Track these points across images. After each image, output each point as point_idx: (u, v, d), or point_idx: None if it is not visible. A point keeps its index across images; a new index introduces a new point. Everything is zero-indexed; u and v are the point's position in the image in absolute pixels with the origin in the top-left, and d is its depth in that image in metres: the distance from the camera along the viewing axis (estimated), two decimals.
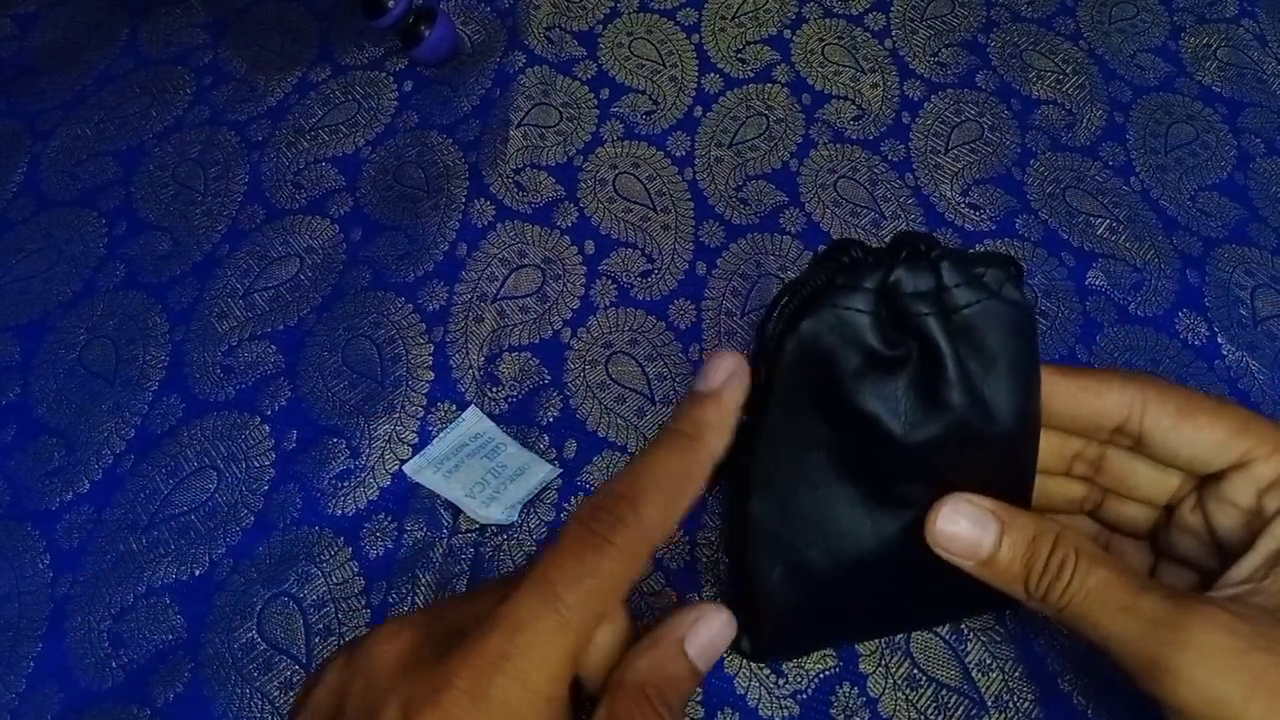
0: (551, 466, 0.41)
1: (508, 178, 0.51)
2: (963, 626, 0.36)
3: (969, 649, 0.36)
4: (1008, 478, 0.29)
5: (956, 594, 0.30)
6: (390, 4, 0.52)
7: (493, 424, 0.42)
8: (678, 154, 0.52)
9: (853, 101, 0.54)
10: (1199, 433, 0.28)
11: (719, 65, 0.56)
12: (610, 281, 0.47)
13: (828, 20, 0.58)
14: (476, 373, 0.44)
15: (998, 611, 0.36)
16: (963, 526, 0.28)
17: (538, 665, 0.22)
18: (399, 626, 0.25)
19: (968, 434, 0.27)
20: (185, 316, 0.47)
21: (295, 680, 0.37)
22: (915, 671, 0.36)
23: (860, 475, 0.29)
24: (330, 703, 0.24)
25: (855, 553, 0.30)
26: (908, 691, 0.35)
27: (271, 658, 0.37)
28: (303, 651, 0.37)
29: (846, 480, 0.29)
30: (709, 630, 0.27)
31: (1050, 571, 0.27)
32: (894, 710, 0.35)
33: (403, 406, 0.43)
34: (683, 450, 0.26)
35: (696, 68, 0.56)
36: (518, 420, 0.43)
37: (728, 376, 0.27)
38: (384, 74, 0.57)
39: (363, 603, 0.38)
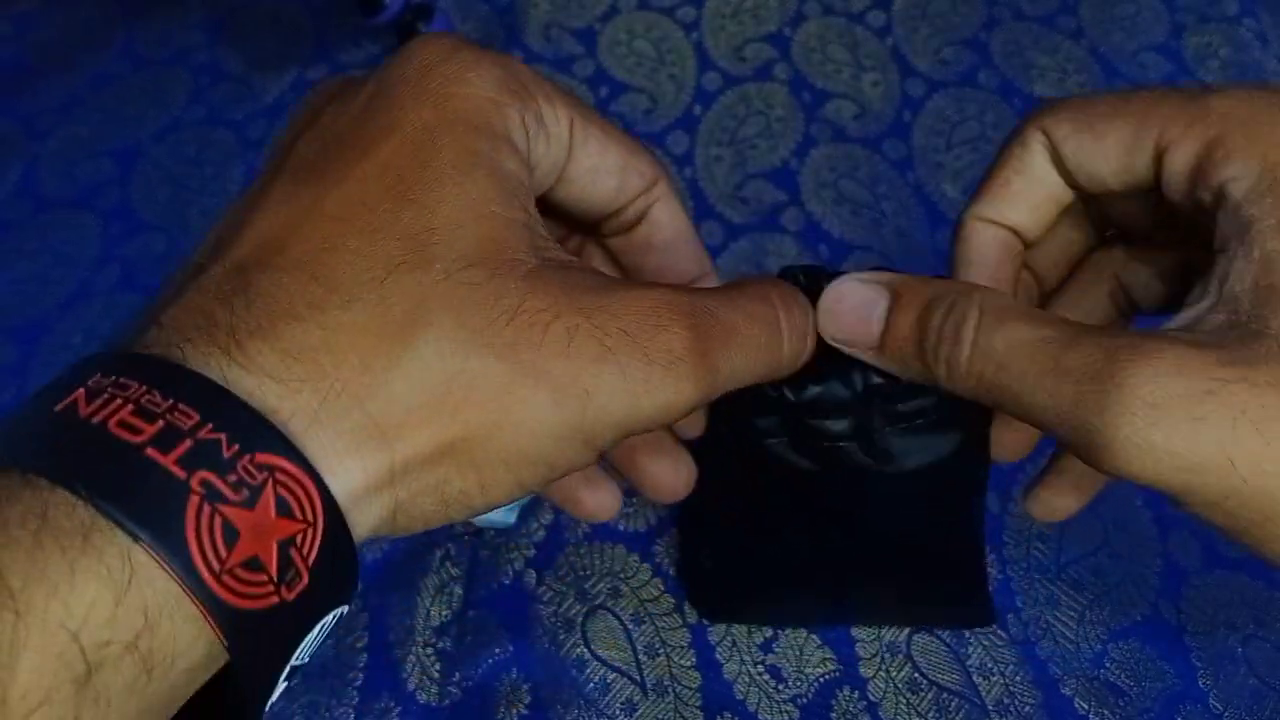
0: None
1: None
2: (964, 631, 0.36)
3: (970, 653, 0.36)
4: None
5: (893, 586, 0.30)
6: (387, 1, 0.52)
7: None
8: (677, 152, 0.52)
9: (853, 100, 0.54)
10: (1102, 140, 0.21)
11: (719, 63, 0.55)
12: None
13: (828, 18, 0.58)
14: None
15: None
16: (848, 305, 0.21)
17: None
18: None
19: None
20: None
21: (293, 684, 0.36)
22: (916, 675, 0.35)
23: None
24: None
25: (790, 535, 0.30)
26: (909, 696, 0.35)
27: None
28: None
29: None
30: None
31: (947, 337, 0.19)
32: (895, 714, 0.35)
33: None
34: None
35: (696, 66, 0.55)
36: None
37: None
38: None
39: (360, 605, 0.38)
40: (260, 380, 0.14)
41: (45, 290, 0.49)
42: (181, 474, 0.12)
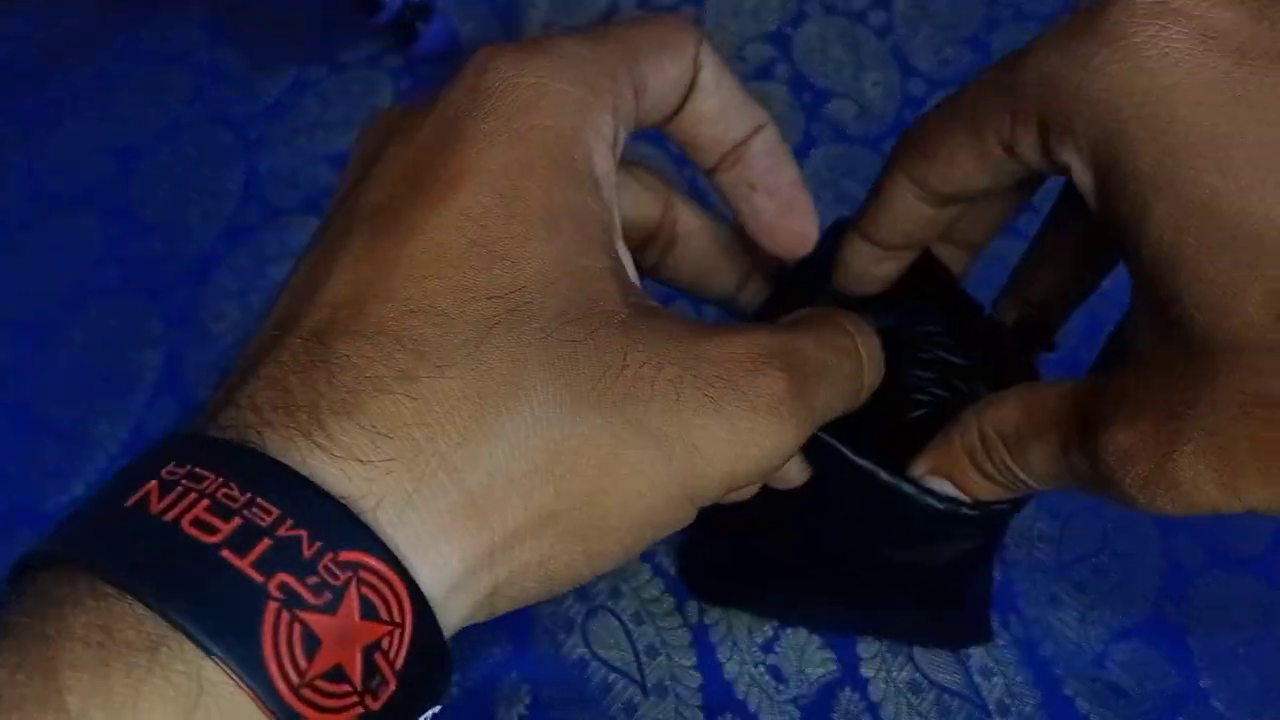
0: None
1: None
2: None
3: (971, 654, 0.36)
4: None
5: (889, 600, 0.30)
6: (386, 1, 0.52)
7: None
8: (677, 152, 0.51)
9: (854, 99, 0.54)
10: (952, 163, 0.20)
11: None
12: None
13: (829, 17, 0.57)
14: None
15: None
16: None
17: None
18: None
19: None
20: (181, 318, 0.47)
21: None
22: (917, 676, 0.35)
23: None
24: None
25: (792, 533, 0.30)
26: (910, 697, 0.35)
27: None
28: None
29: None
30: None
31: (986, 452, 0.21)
32: (896, 715, 0.34)
33: None
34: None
35: None
36: None
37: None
38: (381, 71, 0.56)
39: None
40: (346, 464, 0.12)
41: (45, 290, 0.49)
42: (259, 578, 0.11)
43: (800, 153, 0.51)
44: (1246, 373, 0.15)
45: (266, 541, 0.11)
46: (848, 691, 0.35)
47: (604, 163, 0.16)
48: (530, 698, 0.36)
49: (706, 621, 0.37)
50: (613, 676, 0.36)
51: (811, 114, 0.53)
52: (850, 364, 0.19)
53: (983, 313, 0.27)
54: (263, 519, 0.11)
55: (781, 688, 0.35)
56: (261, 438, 0.12)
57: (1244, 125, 0.15)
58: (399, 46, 0.55)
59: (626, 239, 0.19)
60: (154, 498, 0.12)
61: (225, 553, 0.11)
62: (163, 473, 0.12)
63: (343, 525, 0.12)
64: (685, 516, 0.16)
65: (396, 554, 0.12)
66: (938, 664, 0.35)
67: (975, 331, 0.26)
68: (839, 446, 0.24)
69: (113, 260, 0.50)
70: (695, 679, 0.36)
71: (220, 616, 0.11)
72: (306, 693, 0.11)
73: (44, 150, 0.55)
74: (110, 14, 0.62)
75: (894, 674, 0.35)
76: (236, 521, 0.11)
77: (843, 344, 0.19)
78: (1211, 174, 0.15)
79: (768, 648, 0.36)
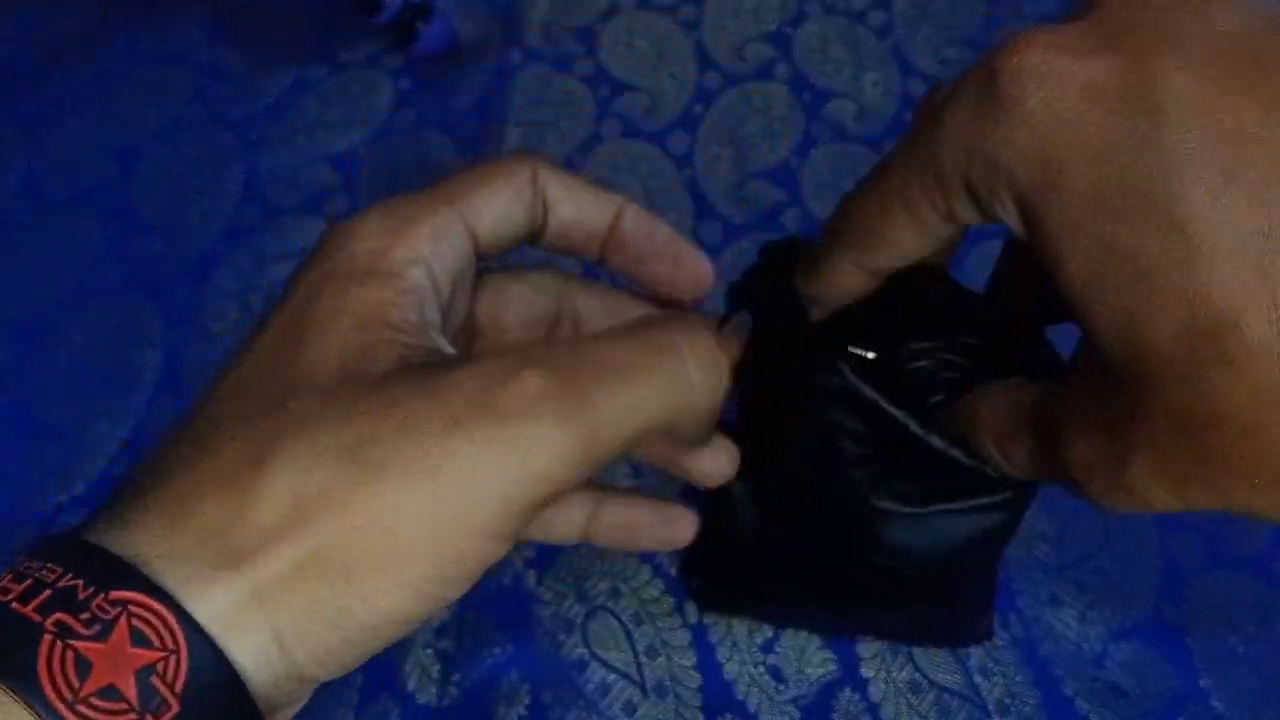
0: None
1: None
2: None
3: (971, 654, 0.36)
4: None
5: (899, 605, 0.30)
6: (386, 1, 0.52)
7: None
8: (677, 152, 0.52)
9: (854, 99, 0.54)
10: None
11: (719, 62, 0.55)
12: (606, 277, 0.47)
13: (829, 17, 0.57)
14: None
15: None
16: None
17: None
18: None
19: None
20: (181, 318, 0.47)
21: None
22: (917, 676, 0.35)
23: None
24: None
25: (799, 536, 0.30)
26: (910, 697, 0.35)
27: None
28: None
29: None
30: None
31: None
32: (896, 715, 0.34)
33: None
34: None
35: (696, 65, 0.55)
36: None
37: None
38: (381, 71, 0.56)
39: None
40: (132, 534, 0.15)
41: (45, 290, 0.49)
42: (38, 618, 0.13)
43: (800, 153, 0.51)
44: (1172, 398, 0.16)
45: (48, 592, 0.14)
46: (847, 692, 0.35)
47: (415, 270, 0.19)
48: (530, 698, 0.36)
49: (706, 622, 0.37)
50: (612, 677, 0.36)
51: (811, 114, 0.53)
52: (666, 359, 0.18)
53: (975, 294, 0.27)
54: (48, 576, 0.14)
55: (781, 688, 0.35)
56: (84, 529, 0.15)
57: (1129, 172, 0.16)
58: (399, 46, 0.55)
59: (528, 330, 0.23)
60: (16, 583, 0.14)
61: (14, 605, 0.14)
62: (19, 563, 0.15)
63: (114, 572, 0.14)
64: (480, 547, 0.16)
65: (166, 590, 0.14)
66: (937, 664, 0.35)
67: (974, 310, 0.26)
68: (877, 397, 0.24)
69: (113, 260, 0.50)
70: (695, 679, 0.36)
71: (5, 649, 0.13)
72: (83, 709, 0.13)
73: (44, 150, 0.55)
74: (110, 14, 0.62)
75: (894, 674, 0.35)
76: (28, 582, 0.14)
77: (656, 340, 0.19)
78: (1108, 222, 0.16)
79: (768, 648, 0.36)
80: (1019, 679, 0.35)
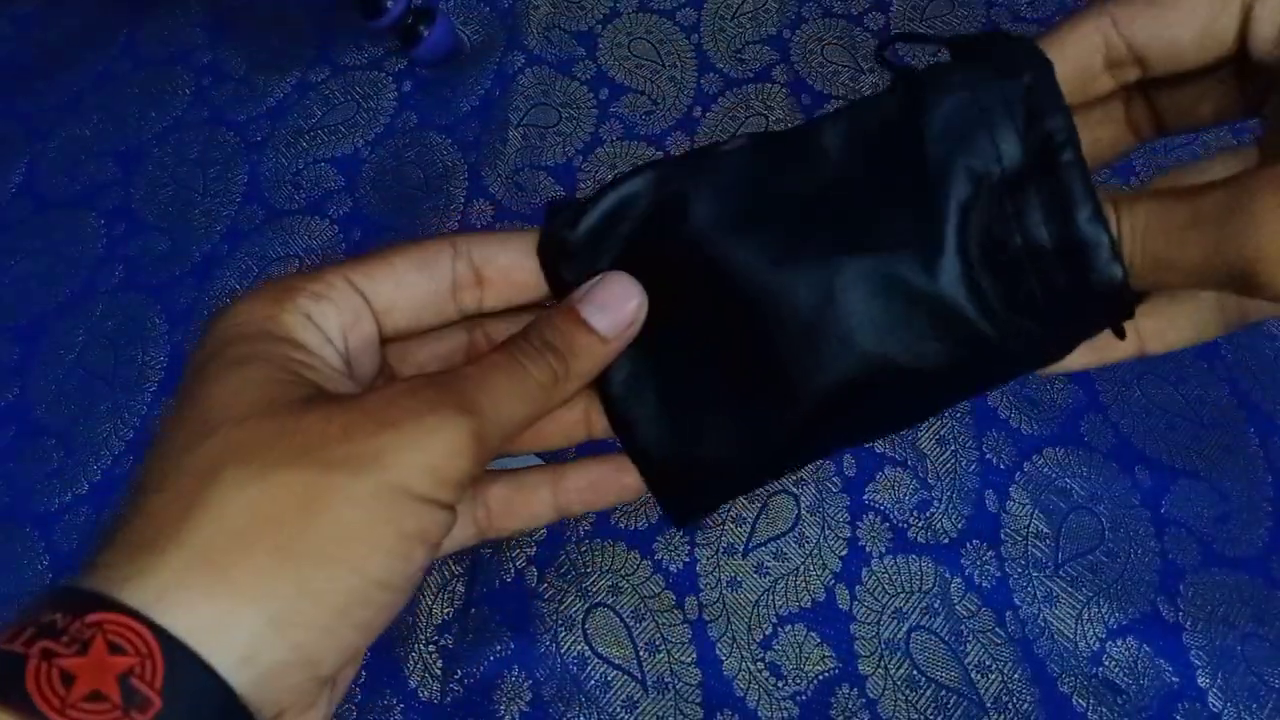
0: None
1: (507, 178, 0.51)
2: (962, 628, 0.36)
3: (968, 650, 0.36)
4: None
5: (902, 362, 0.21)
6: (388, 4, 0.52)
7: None
8: (677, 154, 0.52)
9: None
10: (1179, 8, 0.21)
11: (718, 65, 0.56)
12: None
13: (827, 20, 0.58)
14: None
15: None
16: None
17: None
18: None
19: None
20: (184, 317, 0.47)
21: None
22: (915, 673, 0.36)
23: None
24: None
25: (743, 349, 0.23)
26: (907, 693, 0.35)
27: None
28: None
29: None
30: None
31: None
32: (893, 711, 0.35)
33: None
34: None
35: (696, 68, 0.56)
36: None
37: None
38: (383, 74, 0.56)
39: None
40: (101, 572, 0.17)
41: (47, 290, 0.49)
42: (23, 650, 0.15)
43: None
44: None
45: (31, 629, 0.16)
46: (846, 688, 0.35)
47: (303, 329, 0.21)
48: (531, 694, 0.36)
49: (706, 618, 0.37)
50: (613, 673, 0.36)
51: (810, 115, 0.53)
52: (534, 365, 0.21)
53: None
54: (29, 619, 0.16)
55: (780, 684, 0.35)
56: (63, 582, 0.17)
57: None
58: (401, 49, 0.56)
59: (446, 361, 0.24)
60: (8, 634, 0.16)
61: (3, 645, 0.16)
62: (41, 617, 0.16)
63: (88, 602, 0.16)
64: (421, 523, 0.19)
65: (136, 608, 0.16)
66: (935, 660, 0.36)
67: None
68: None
69: (116, 260, 0.50)
70: (695, 675, 0.36)
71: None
72: (72, 712, 0.15)
73: (46, 150, 0.55)
74: (110, 14, 0.62)
75: (891, 670, 0.35)
76: (13, 628, 0.16)
77: (522, 345, 0.22)
78: None
79: (766, 644, 0.36)
80: (1016, 676, 0.35)
